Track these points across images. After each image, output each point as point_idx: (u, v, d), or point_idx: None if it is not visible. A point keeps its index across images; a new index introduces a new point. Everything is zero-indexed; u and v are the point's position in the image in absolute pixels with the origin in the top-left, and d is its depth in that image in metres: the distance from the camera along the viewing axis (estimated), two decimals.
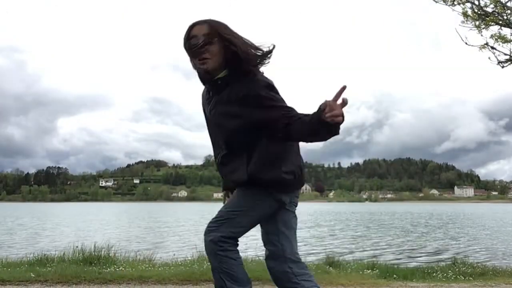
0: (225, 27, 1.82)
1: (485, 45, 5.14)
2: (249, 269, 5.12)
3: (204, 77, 1.91)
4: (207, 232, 1.95)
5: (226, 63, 1.82)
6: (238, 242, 2.00)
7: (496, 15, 5.04)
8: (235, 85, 1.81)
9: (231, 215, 1.95)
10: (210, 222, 1.98)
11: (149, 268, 5.52)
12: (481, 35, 5.10)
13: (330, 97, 1.59)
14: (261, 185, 1.90)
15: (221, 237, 1.90)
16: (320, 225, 25.83)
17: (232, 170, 1.95)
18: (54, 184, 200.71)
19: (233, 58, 1.79)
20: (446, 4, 5.24)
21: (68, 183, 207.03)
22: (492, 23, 5.02)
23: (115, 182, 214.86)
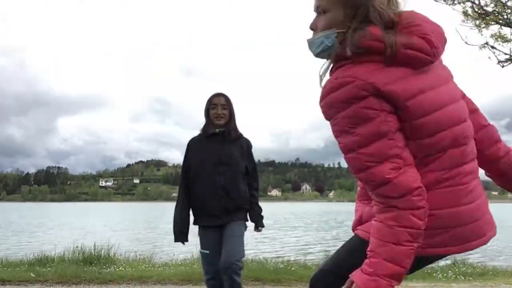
0: (232, 103, 2.74)
1: (485, 45, 5.14)
2: (249, 269, 5.12)
3: (209, 129, 2.70)
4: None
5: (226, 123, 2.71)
6: None
7: (496, 14, 5.04)
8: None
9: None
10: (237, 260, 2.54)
11: (149, 268, 5.51)
12: (481, 34, 5.10)
13: None
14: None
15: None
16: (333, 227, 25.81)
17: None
18: (54, 184, 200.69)
19: (230, 120, 2.72)
20: (447, 3, 5.24)
21: (68, 183, 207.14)
22: (492, 23, 5.02)
23: (115, 182, 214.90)
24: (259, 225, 2.78)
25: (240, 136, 2.76)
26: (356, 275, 1.15)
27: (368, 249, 1.16)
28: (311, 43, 1.24)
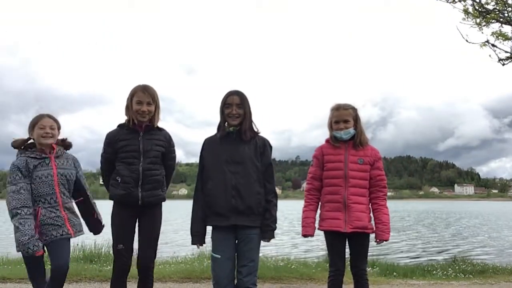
0: (248, 101, 2.67)
1: (486, 43, 5.12)
2: None
3: (223, 129, 2.67)
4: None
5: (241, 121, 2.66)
6: None
7: (497, 12, 5.02)
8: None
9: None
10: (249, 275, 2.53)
11: None
12: (482, 33, 5.08)
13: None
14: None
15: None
16: None
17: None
18: None
19: (245, 120, 2.65)
20: (447, 2, 5.23)
21: None
22: (493, 21, 5.00)
23: None
24: (265, 236, 2.61)
25: (255, 135, 2.66)
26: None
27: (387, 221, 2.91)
28: (345, 132, 2.85)
